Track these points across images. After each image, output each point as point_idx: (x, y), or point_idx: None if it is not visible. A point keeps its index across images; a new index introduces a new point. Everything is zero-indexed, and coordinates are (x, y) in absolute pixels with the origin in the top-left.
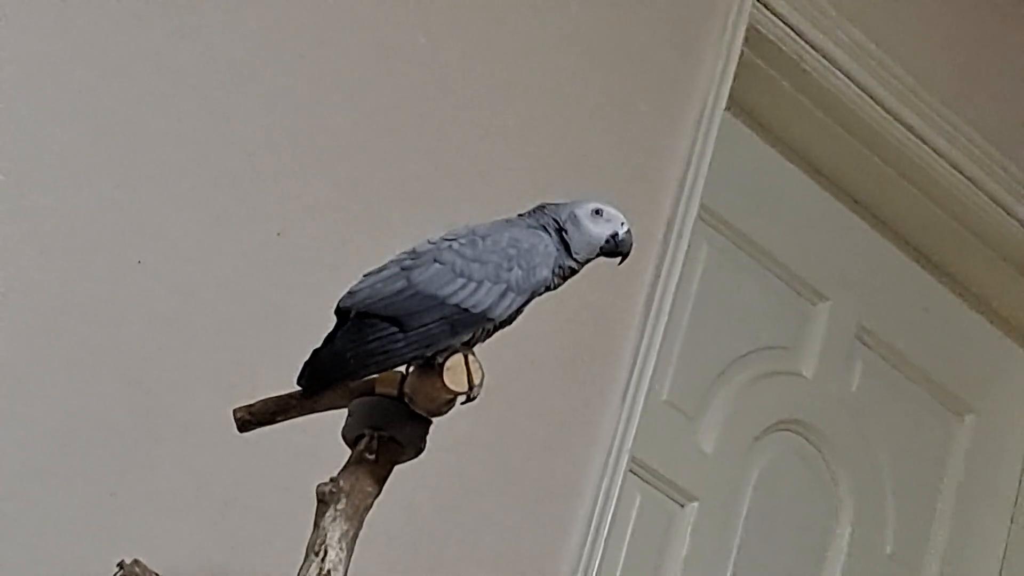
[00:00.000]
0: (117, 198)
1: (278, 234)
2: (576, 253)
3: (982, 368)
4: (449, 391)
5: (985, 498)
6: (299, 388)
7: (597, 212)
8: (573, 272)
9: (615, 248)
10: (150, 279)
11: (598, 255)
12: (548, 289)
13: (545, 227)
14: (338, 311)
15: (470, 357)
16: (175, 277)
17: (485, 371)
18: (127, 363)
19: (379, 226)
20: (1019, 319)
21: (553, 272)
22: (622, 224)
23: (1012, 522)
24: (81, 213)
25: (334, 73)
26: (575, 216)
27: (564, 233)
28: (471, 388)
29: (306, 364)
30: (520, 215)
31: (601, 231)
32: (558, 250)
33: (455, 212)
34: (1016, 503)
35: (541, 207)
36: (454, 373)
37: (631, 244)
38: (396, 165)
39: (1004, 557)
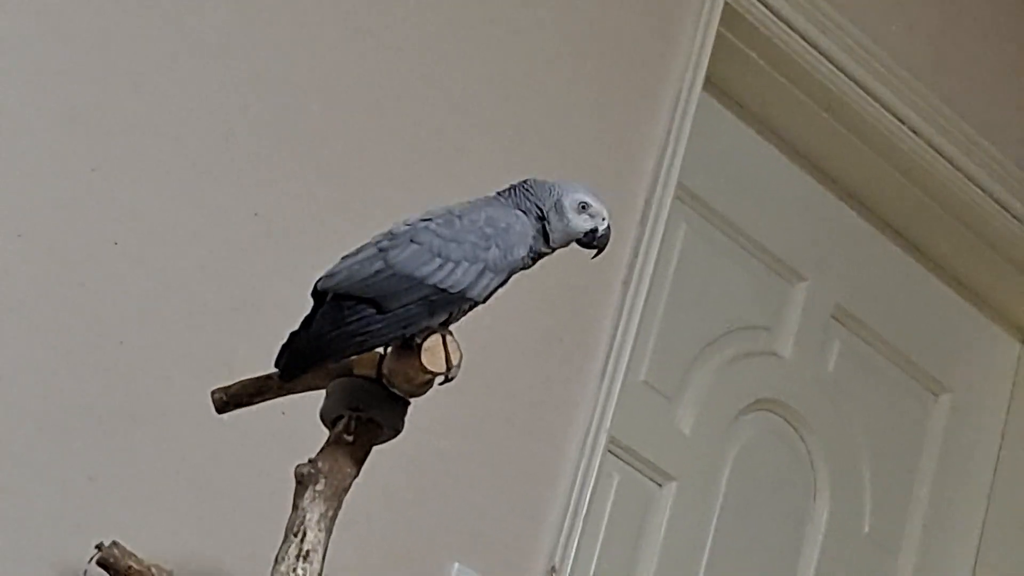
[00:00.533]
0: (93, 180)
1: (255, 215)
2: (554, 242)
3: (958, 347)
4: (427, 371)
5: (962, 477)
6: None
7: (584, 206)
8: (544, 255)
9: (592, 242)
10: (126, 261)
11: (572, 242)
12: (521, 269)
13: (523, 208)
14: (315, 293)
15: (448, 337)
16: (152, 259)
17: (463, 351)
18: (103, 345)
19: (357, 207)
20: (995, 298)
21: (526, 254)
22: (603, 220)
23: (989, 501)
24: (57, 195)
25: (311, 55)
26: (561, 206)
27: (546, 222)
28: (449, 368)
29: (284, 347)
30: (500, 192)
31: (583, 225)
32: (534, 237)
33: (432, 193)
34: (993, 482)
35: (524, 185)
36: (432, 354)
37: (608, 240)
38: (373, 146)
39: (981, 536)
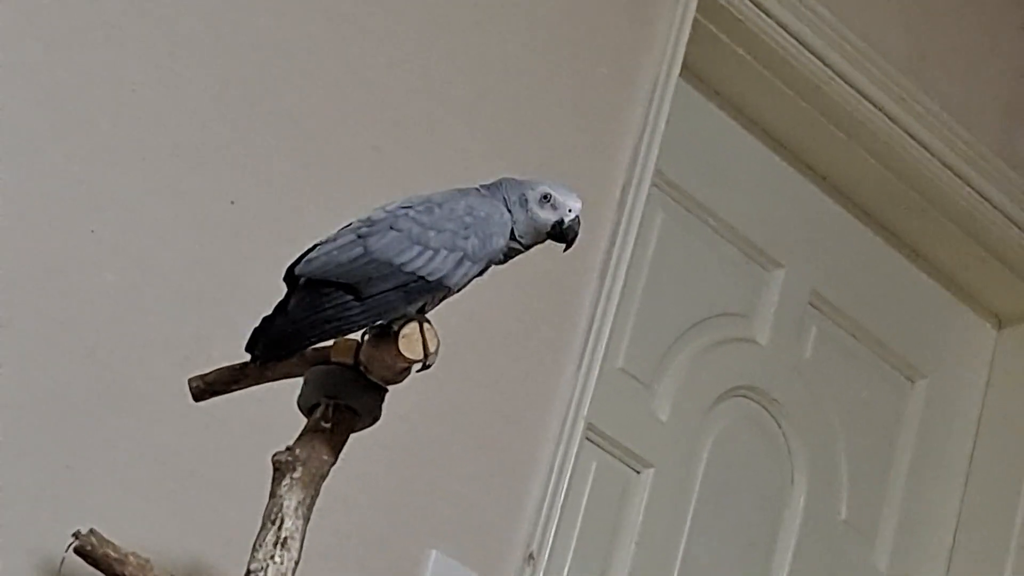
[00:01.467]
0: (69, 168)
1: (232, 203)
2: (521, 237)
3: (935, 334)
4: (405, 359)
5: (938, 463)
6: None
7: (545, 197)
8: (517, 252)
9: (560, 235)
10: (103, 248)
11: (545, 239)
12: (496, 263)
13: (501, 199)
14: (288, 278)
15: (425, 325)
16: (128, 246)
17: (440, 339)
18: (80, 333)
19: (334, 196)
20: (971, 285)
21: (504, 245)
22: (570, 211)
23: (966, 487)
24: (33, 182)
25: (287, 43)
26: (524, 199)
27: (511, 215)
28: (427, 356)
29: (257, 332)
30: (478, 187)
31: (548, 217)
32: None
33: (409, 181)
34: (969, 468)
35: (499, 182)
36: (409, 341)
37: (577, 233)
38: (350, 135)
39: (958, 521)
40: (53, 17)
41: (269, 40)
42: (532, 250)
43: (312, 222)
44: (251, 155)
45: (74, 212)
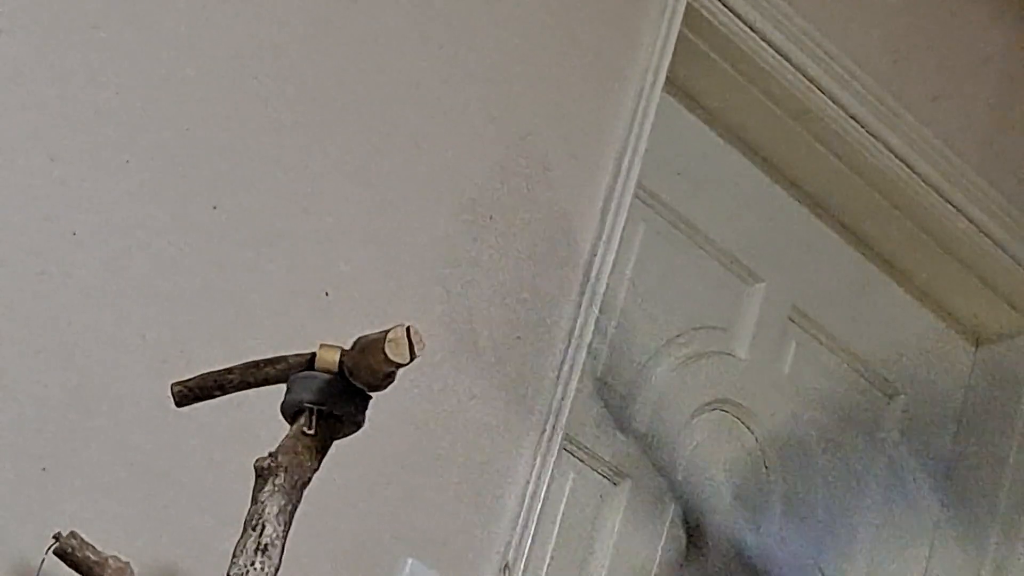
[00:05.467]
0: (51, 170)
1: (214, 207)
2: None
3: (912, 350)
4: (391, 363)
5: (915, 479)
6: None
7: None
8: None
9: None
10: (84, 251)
11: None
12: None
13: None
14: None
15: (412, 329)
16: (109, 249)
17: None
18: (60, 335)
19: (316, 201)
20: (950, 302)
21: None
22: None
23: (942, 503)
24: (15, 184)
25: (271, 48)
26: None
27: None
28: (413, 359)
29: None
30: None
31: None
32: None
33: (392, 187)
34: (945, 484)
35: None
36: (396, 345)
37: None
38: (333, 140)
39: (933, 538)
40: (36, 18)
41: (253, 44)
42: (513, 261)
43: (294, 226)
44: (234, 160)
45: (55, 214)
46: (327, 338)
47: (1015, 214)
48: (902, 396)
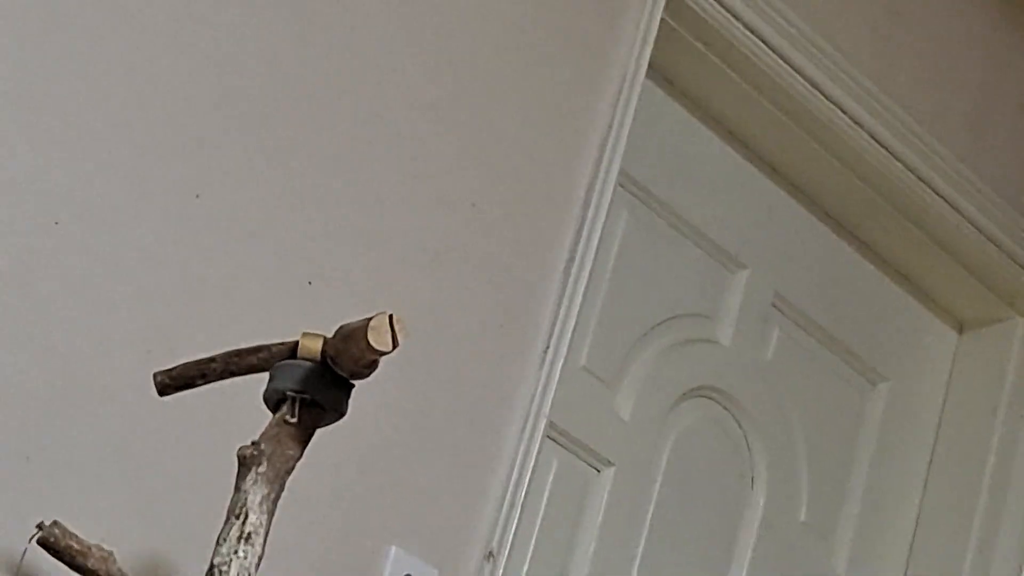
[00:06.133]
0: (34, 159)
1: (197, 196)
2: None
3: (896, 337)
4: (374, 351)
5: (898, 466)
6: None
7: None
8: None
9: None
10: (67, 240)
11: None
12: None
13: None
14: None
15: (394, 317)
16: (92, 239)
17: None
18: (43, 324)
19: (300, 191)
20: (934, 289)
21: None
22: None
23: (924, 490)
24: None
25: (255, 38)
26: None
27: None
28: (395, 347)
29: None
30: None
31: None
32: None
33: (376, 178)
34: (928, 470)
35: None
36: (378, 333)
37: None
38: (316, 131)
39: (916, 524)
40: (17, 9)
41: (236, 35)
42: (495, 249)
43: (278, 217)
44: (217, 150)
45: (38, 204)
46: (311, 327)
47: (998, 201)
48: (885, 383)
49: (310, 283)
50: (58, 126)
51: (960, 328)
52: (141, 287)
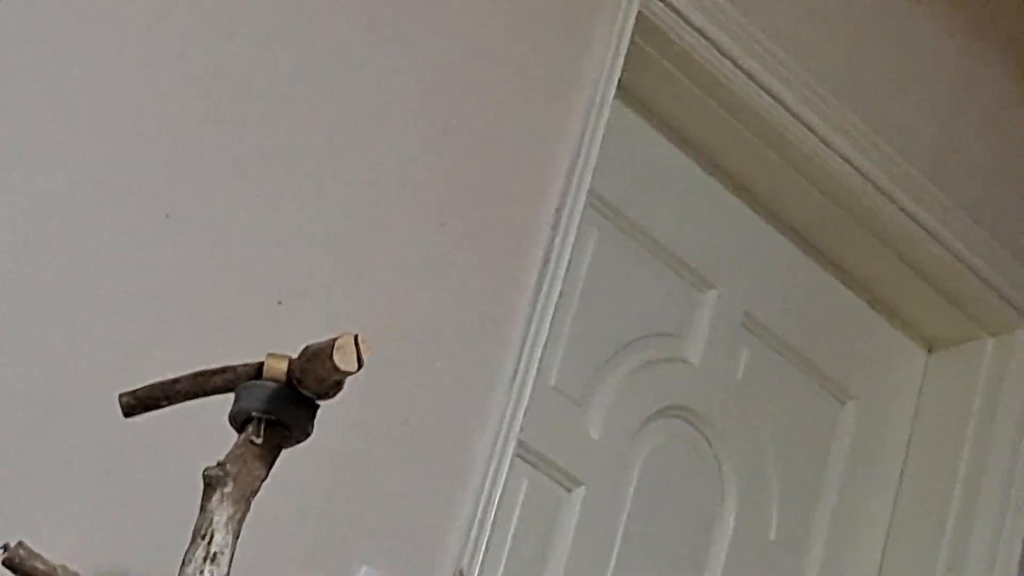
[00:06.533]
0: (3, 178)
1: (166, 216)
2: None
3: (865, 356)
4: (339, 371)
5: (868, 485)
6: (187, 372)
7: None
8: None
9: None
10: (36, 260)
11: None
12: None
13: None
14: None
15: (359, 337)
16: (61, 258)
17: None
18: (11, 343)
19: (269, 210)
20: (902, 307)
21: None
22: None
23: (894, 508)
24: None
25: (225, 56)
26: None
27: None
28: (360, 367)
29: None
30: None
31: None
32: None
33: (345, 197)
34: (898, 489)
35: None
36: (343, 353)
37: None
38: (286, 148)
39: (886, 542)
40: None
41: (205, 53)
42: (466, 268)
43: (247, 234)
44: (187, 168)
45: (6, 222)
46: (281, 346)
47: (967, 221)
48: (855, 402)
49: (280, 303)
50: (27, 145)
51: (929, 347)
52: (110, 306)
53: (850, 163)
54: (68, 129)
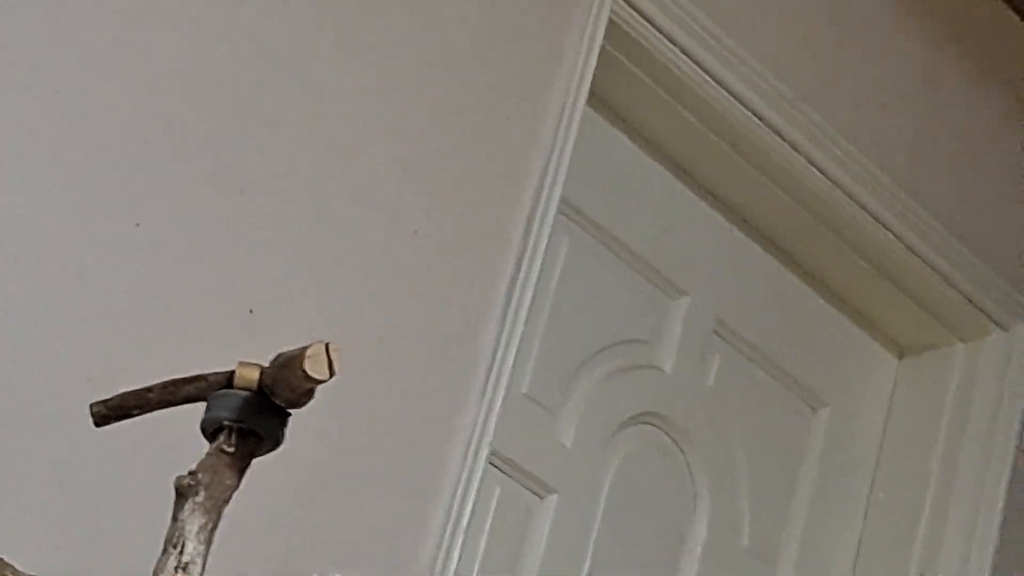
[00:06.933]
0: None
1: (136, 224)
2: None
3: (837, 362)
4: (311, 379)
5: (839, 491)
6: (157, 382)
7: None
8: None
9: None
10: (4, 268)
11: None
12: None
13: None
14: None
15: (330, 346)
16: (31, 267)
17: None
18: None
19: (239, 219)
20: (873, 314)
21: None
22: None
23: (866, 515)
24: None
25: (194, 63)
26: None
27: None
28: (332, 375)
29: None
30: None
31: None
32: None
33: (316, 206)
34: (869, 496)
35: None
36: (315, 361)
37: None
38: (257, 157)
39: (858, 549)
40: None
41: (175, 62)
42: (437, 276)
43: (218, 244)
44: (156, 177)
45: None
46: (253, 355)
47: (938, 228)
48: (826, 408)
49: (251, 311)
50: None
51: (900, 354)
52: (80, 315)
53: (821, 170)
54: (36, 138)
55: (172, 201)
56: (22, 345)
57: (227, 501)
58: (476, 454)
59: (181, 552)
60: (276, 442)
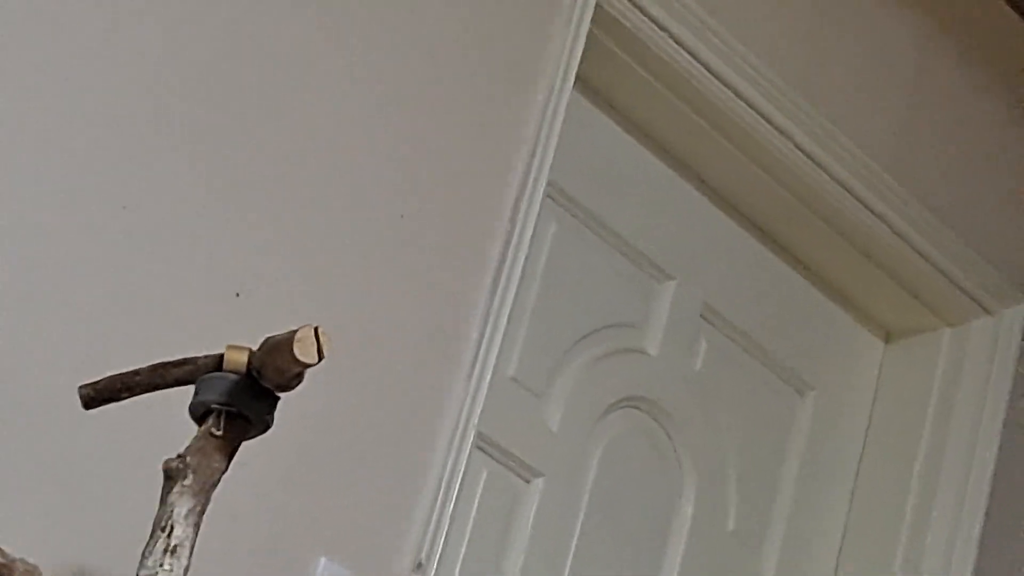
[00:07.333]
0: None
1: (123, 208)
2: None
3: (824, 347)
4: (299, 363)
5: (826, 475)
6: (145, 365)
7: None
8: None
9: None
10: None
11: None
12: None
13: None
14: None
15: (319, 329)
16: (18, 251)
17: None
18: None
19: (226, 202)
20: (860, 298)
21: None
22: None
23: (852, 498)
24: None
25: (181, 50)
26: None
27: None
28: (320, 359)
29: None
30: None
31: None
32: None
33: (303, 190)
34: (856, 480)
35: None
36: (304, 345)
37: None
38: (243, 141)
39: (844, 533)
40: None
41: (161, 47)
42: (424, 260)
43: (205, 228)
44: (143, 160)
45: None
46: (239, 339)
47: (924, 213)
48: (813, 392)
49: (238, 295)
50: None
51: (887, 338)
52: (67, 299)
53: (808, 155)
54: (22, 123)
55: (159, 184)
56: (8, 328)
57: (216, 484)
58: (463, 438)
59: (170, 535)
60: (265, 425)
